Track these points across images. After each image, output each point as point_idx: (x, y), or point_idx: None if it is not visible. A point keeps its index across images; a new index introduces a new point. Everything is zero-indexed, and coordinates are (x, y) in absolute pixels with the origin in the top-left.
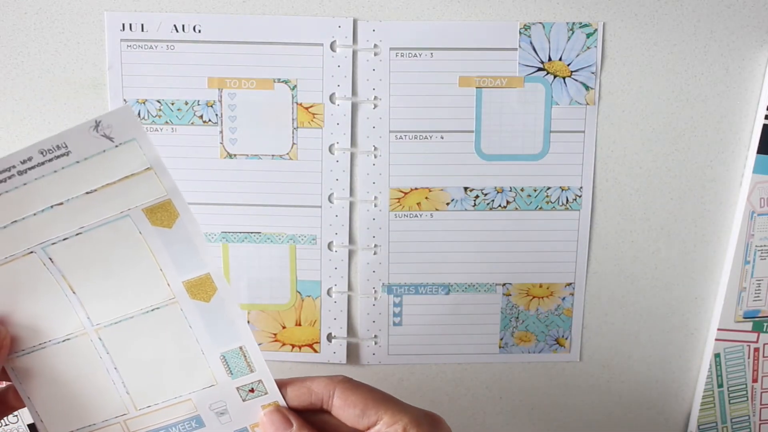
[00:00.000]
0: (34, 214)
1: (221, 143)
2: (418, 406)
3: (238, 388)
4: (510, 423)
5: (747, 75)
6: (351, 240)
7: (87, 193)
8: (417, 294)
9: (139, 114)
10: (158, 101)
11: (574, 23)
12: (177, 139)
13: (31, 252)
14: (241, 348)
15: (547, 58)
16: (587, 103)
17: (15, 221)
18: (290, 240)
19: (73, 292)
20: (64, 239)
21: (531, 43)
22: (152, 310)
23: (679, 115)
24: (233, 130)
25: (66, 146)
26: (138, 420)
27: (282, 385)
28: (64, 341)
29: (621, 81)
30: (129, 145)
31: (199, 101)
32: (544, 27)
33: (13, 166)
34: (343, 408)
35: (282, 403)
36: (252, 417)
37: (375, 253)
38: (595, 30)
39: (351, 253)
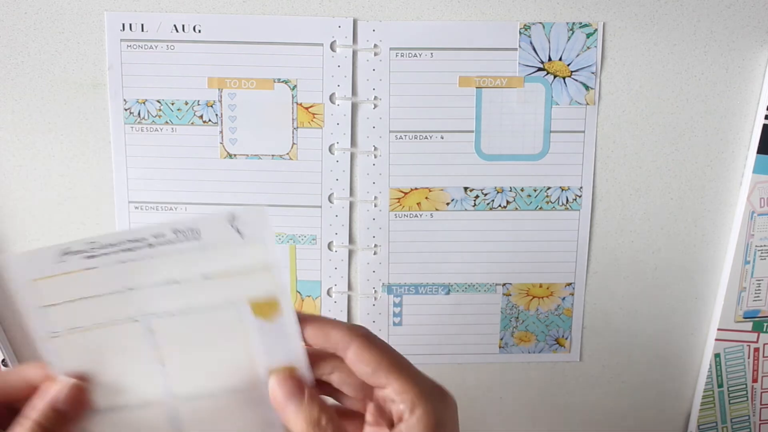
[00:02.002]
0: (150, 286)
1: (221, 143)
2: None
3: None
4: (510, 423)
5: (747, 75)
6: (351, 240)
7: (204, 277)
8: (417, 294)
9: (139, 114)
10: (158, 101)
11: (574, 23)
12: (177, 139)
13: (136, 321)
14: None
15: (547, 58)
16: (587, 103)
17: (131, 289)
18: (290, 240)
19: (162, 364)
20: (171, 315)
21: (531, 43)
22: (235, 391)
23: (679, 115)
24: (233, 130)
25: (199, 233)
26: None
27: (303, 320)
28: (140, 408)
29: (621, 81)
30: (256, 244)
31: (199, 101)
32: (544, 27)
33: (145, 239)
34: (355, 363)
35: (307, 377)
36: None
37: (375, 253)
38: (595, 30)
39: (351, 253)
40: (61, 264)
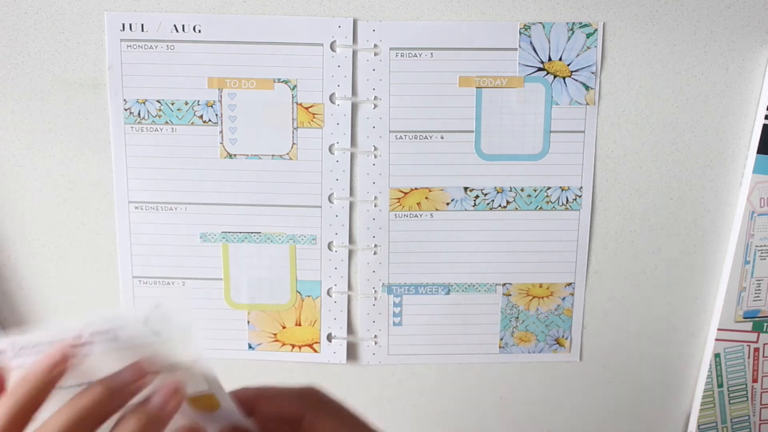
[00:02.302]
0: (73, 388)
1: (221, 143)
2: (419, 406)
3: None
4: (510, 423)
5: (747, 75)
6: (351, 240)
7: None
8: (417, 294)
9: (139, 114)
10: (158, 101)
11: (574, 23)
12: (177, 139)
13: None
14: None
15: (547, 58)
16: (587, 103)
17: (70, 386)
18: (290, 240)
19: None
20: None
21: (531, 43)
22: None
23: (679, 115)
24: (233, 130)
25: (116, 335)
26: None
27: (252, 398)
28: None
29: (621, 81)
30: (175, 342)
31: (199, 101)
32: (544, 27)
33: (64, 340)
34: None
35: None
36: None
37: (375, 253)
38: (595, 30)
39: (351, 253)
40: None
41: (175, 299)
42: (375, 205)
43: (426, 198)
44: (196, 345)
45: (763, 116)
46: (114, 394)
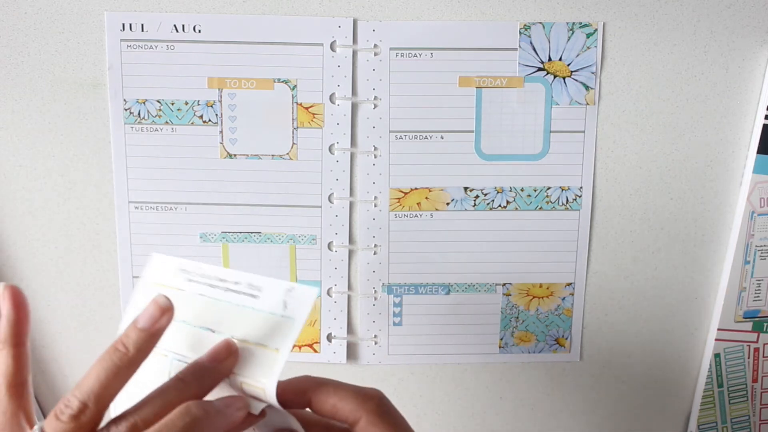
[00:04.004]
0: (194, 327)
1: (221, 143)
2: (419, 406)
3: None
4: (510, 423)
5: (747, 75)
6: (351, 240)
7: (237, 339)
8: (417, 294)
9: (139, 114)
10: (158, 101)
11: (574, 23)
12: (177, 139)
13: (165, 356)
14: None
15: (547, 58)
16: (587, 103)
17: (184, 321)
18: (290, 240)
19: None
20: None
21: (531, 43)
22: None
23: (679, 115)
24: (233, 130)
25: (260, 291)
26: None
27: (312, 387)
28: None
29: (621, 81)
30: (290, 325)
31: (199, 101)
32: (544, 27)
33: (226, 281)
34: None
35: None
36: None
37: (375, 253)
38: (595, 30)
39: (351, 253)
40: (173, 278)
41: (311, 290)
42: (375, 205)
43: (426, 198)
44: (294, 337)
45: (763, 116)
46: (212, 373)
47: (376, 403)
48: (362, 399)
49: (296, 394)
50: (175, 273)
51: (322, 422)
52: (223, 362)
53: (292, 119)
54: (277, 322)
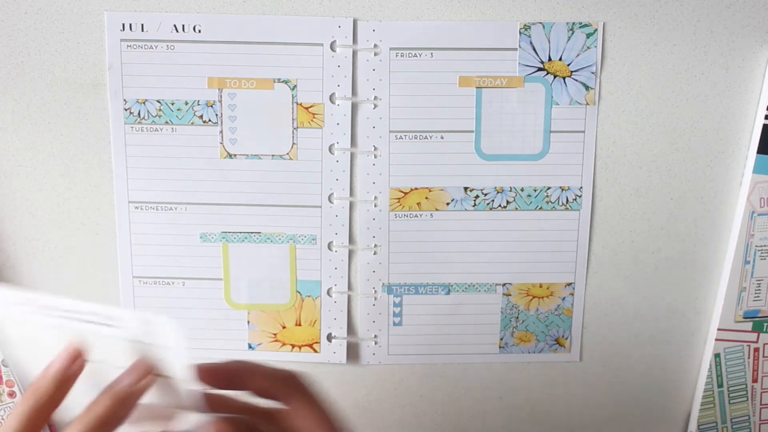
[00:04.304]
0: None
1: (221, 143)
2: (419, 406)
3: None
4: (510, 423)
5: (747, 75)
6: (351, 240)
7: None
8: (417, 294)
9: (139, 114)
10: (158, 101)
11: (574, 23)
12: (177, 139)
13: None
14: None
15: (547, 58)
16: (587, 103)
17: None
18: (290, 240)
19: None
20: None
21: (531, 43)
22: None
23: (679, 115)
24: (233, 130)
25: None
26: None
27: (234, 372)
28: None
29: (621, 81)
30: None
31: (199, 101)
32: (544, 27)
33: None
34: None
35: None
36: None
37: (375, 253)
38: (595, 30)
39: (351, 253)
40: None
41: (168, 320)
42: (375, 205)
43: (426, 198)
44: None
45: (763, 116)
46: (124, 401)
47: (298, 385)
48: (284, 380)
49: (225, 375)
50: (16, 307)
51: (260, 410)
52: (141, 381)
53: (292, 119)
54: (150, 348)
